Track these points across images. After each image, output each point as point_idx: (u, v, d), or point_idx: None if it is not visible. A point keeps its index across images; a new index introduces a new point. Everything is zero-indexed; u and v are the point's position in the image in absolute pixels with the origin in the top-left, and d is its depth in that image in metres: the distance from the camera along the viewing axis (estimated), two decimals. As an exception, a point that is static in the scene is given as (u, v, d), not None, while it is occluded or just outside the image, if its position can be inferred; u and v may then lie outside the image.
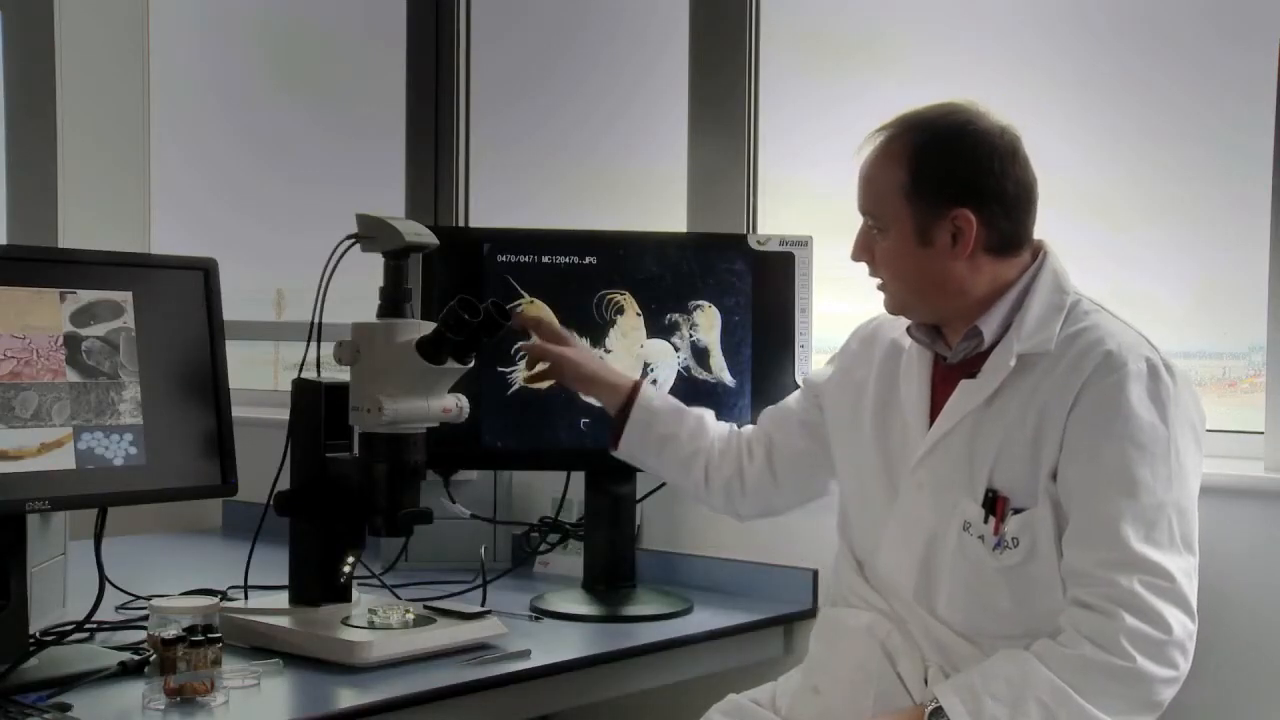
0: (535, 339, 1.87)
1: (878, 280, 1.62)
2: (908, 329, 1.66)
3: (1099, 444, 1.47)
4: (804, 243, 2.13)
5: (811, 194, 2.42)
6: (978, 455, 1.55)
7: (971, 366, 1.59)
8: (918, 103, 1.61)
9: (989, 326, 1.57)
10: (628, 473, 2.13)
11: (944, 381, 1.62)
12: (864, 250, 1.61)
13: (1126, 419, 1.47)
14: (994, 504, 1.52)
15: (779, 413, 1.87)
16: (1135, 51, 1.96)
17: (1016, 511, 1.51)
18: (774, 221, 2.42)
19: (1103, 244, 1.98)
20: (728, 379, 2.12)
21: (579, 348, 1.91)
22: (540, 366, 1.87)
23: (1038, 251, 1.61)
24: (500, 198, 2.83)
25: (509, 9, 2.84)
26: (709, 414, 1.90)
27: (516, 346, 1.92)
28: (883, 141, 1.58)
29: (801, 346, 2.12)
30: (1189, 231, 1.96)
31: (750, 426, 1.90)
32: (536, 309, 1.98)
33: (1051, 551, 1.50)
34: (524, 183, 2.84)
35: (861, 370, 1.74)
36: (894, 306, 1.63)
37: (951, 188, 1.54)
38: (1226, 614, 1.74)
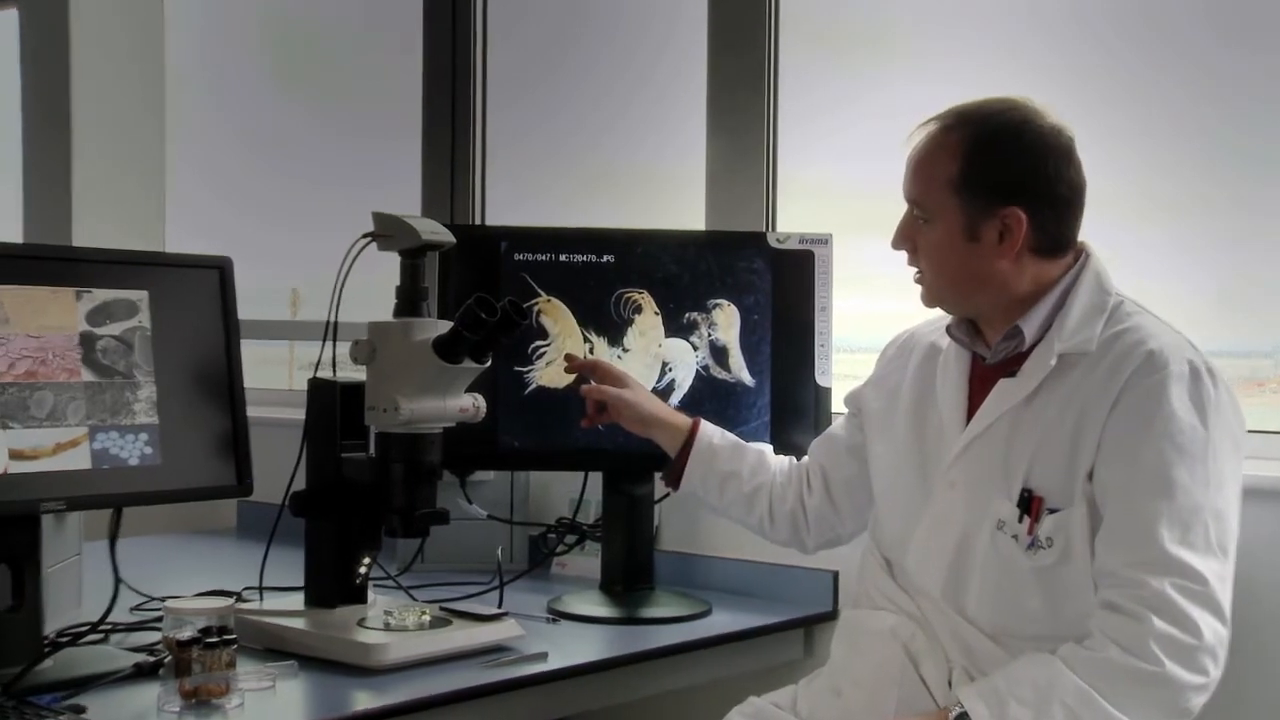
0: (592, 382, 1.89)
1: (915, 270, 1.62)
2: (947, 328, 1.66)
3: (1137, 444, 1.46)
4: (824, 240, 2.13)
5: (832, 191, 2.42)
6: (1014, 454, 1.54)
7: (1010, 366, 1.59)
8: (938, 99, 1.61)
9: (1030, 326, 1.57)
10: (646, 473, 2.13)
11: (982, 381, 1.61)
12: (906, 238, 1.60)
13: (1166, 420, 1.46)
14: (1029, 504, 1.52)
15: (826, 442, 1.87)
16: (1155, 44, 1.95)
17: (1052, 512, 1.51)
18: (793, 219, 2.42)
19: (1119, 242, 1.97)
20: (747, 379, 2.12)
21: (635, 388, 1.92)
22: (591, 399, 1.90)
23: (1080, 252, 1.61)
24: (517, 195, 2.84)
25: (525, 4, 2.84)
26: (768, 449, 1.91)
27: (580, 390, 1.92)
28: (937, 131, 1.58)
29: (821, 346, 2.11)
30: (1206, 229, 1.95)
31: (806, 459, 1.89)
32: (590, 359, 1.99)
33: (1085, 554, 1.49)
34: (541, 180, 2.84)
35: (896, 375, 1.74)
36: (931, 298, 1.63)
37: (1004, 186, 1.54)
38: (1255, 614, 1.72)
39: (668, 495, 2.24)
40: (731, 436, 1.90)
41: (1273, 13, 1.95)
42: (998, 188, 1.54)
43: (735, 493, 1.86)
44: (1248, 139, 1.98)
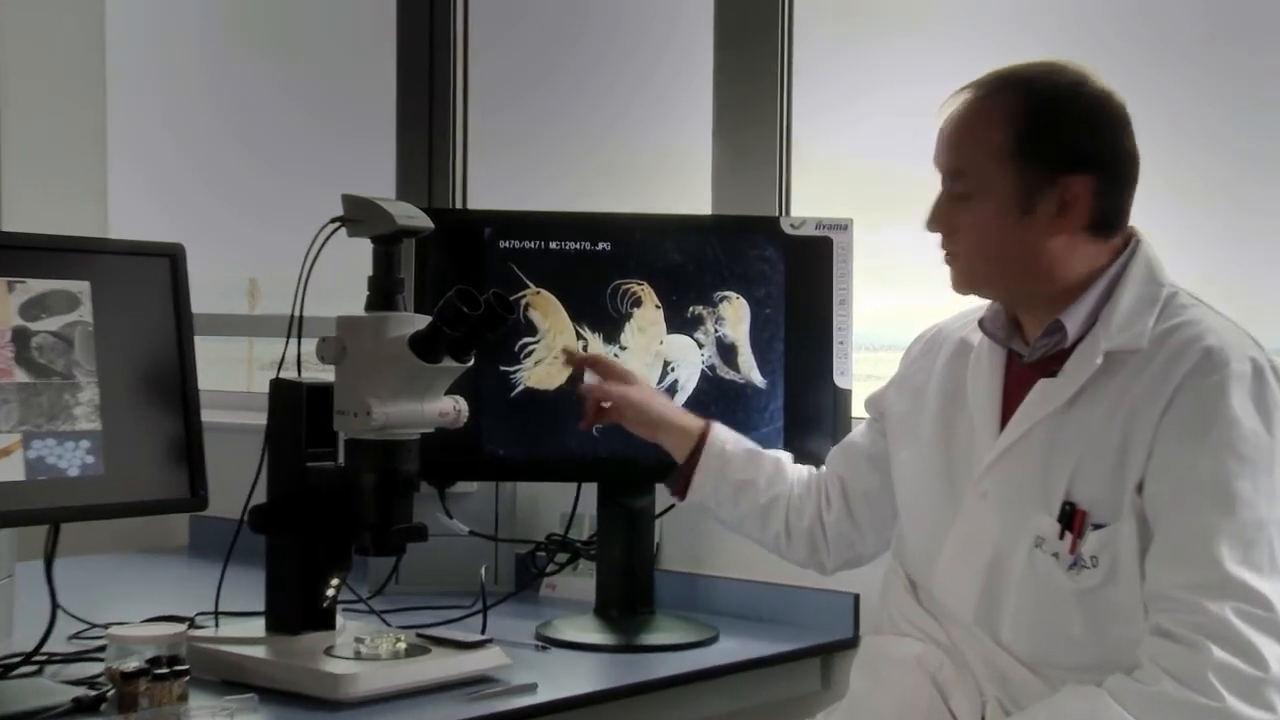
0: (591, 377, 1.87)
1: (947, 251, 1.60)
2: (980, 322, 1.65)
3: (1193, 452, 1.45)
4: (843, 226, 2.12)
5: (853, 170, 2.42)
6: (1055, 463, 1.53)
7: (1050, 366, 1.58)
8: (970, 69, 1.60)
9: (1074, 321, 1.56)
10: (645, 485, 2.13)
11: (1018, 381, 1.60)
12: (944, 217, 1.59)
13: (1226, 425, 1.45)
14: (1071, 518, 1.50)
15: (844, 451, 1.86)
16: (1155, 43, 1.98)
17: (1097, 527, 1.50)
18: (809, 202, 2.41)
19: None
20: (758, 379, 2.11)
21: (642, 386, 1.91)
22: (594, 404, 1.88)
23: (1129, 238, 1.60)
24: (503, 177, 2.84)
25: (511, -35, 2.85)
26: (786, 457, 1.90)
27: (579, 389, 1.91)
28: (979, 97, 1.57)
29: (840, 343, 2.11)
30: (1207, 229, 1.99)
31: (824, 469, 1.88)
32: (574, 346, 1.98)
33: (1134, 574, 1.48)
34: (530, 160, 2.84)
35: (922, 374, 1.73)
36: (964, 282, 1.61)
37: (1066, 152, 1.54)
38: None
39: (670, 509, 2.24)
40: (746, 442, 1.89)
41: (1273, 12, 2.01)
42: (1060, 154, 1.53)
43: (749, 505, 1.84)
44: (1248, 139, 2.02)
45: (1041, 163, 1.53)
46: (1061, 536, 1.51)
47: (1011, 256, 1.56)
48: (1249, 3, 2.05)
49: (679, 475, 1.87)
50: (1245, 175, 2.03)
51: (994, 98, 1.56)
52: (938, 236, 1.61)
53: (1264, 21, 1.99)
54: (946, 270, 1.62)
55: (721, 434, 1.87)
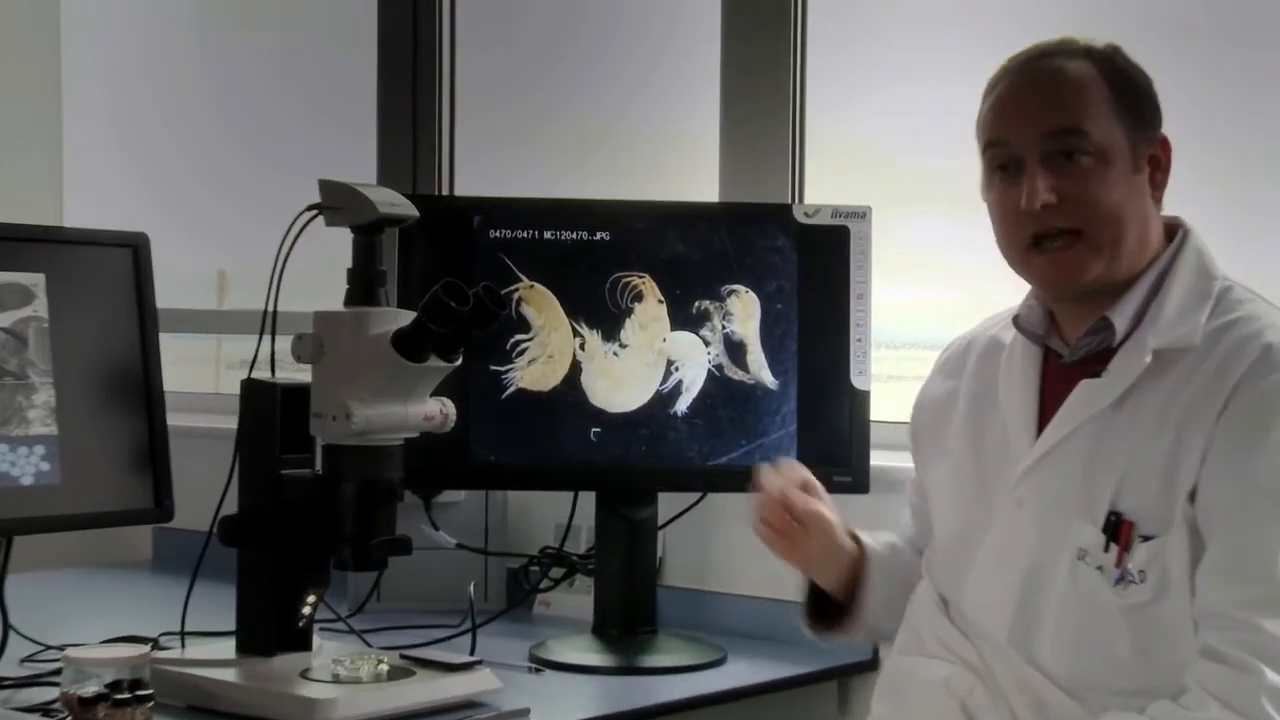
0: (767, 487, 1.73)
1: (1061, 230, 1.54)
2: (1014, 319, 1.65)
3: (1251, 457, 1.45)
4: (861, 214, 2.12)
5: (873, 153, 2.41)
6: (1099, 469, 1.53)
7: (1092, 366, 1.57)
8: (997, 39, 1.65)
9: (1122, 317, 1.56)
10: (647, 493, 2.13)
11: (1056, 383, 1.60)
12: (1057, 188, 1.53)
13: None
14: (1117, 529, 1.50)
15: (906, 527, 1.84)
16: (1154, 42, 2.02)
17: (1145, 539, 1.49)
18: (825, 188, 2.41)
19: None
20: (768, 380, 2.11)
21: (830, 503, 1.78)
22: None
23: (1175, 228, 1.60)
24: (493, 161, 2.83)
25: (502, -69, 2.85)
26: (898, 543, 1.83)
27: (774, 494, 1.73)
28: (1070, 56, 1.57)
29: (858, 340, 2.11)
30: (1206, 229, 2.07)
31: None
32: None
33: (1185, 590, 1.47)
34: (522, 143, 2.84)
35: (952, 380, 1.73)
36: (1086, 263, 1.54)
37: (1152, 105, 1.58)
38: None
39: (674, 520, 2.24)
40: (883, 536, 1.82)
41: (1273, 12, 2.04)
42: (1148, 107, 1.57)
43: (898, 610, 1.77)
44: (1249, 138, 2.05)
45: (1138, 116, 1.56)
46: (1106, 549, 1.50)
47: (1133, 220, 1.55)
48: (1250, 3, 2.08)
49: (827, 608, 1.78)
50: (1245, 175, 2.06)
51: (1078, 55, 1.57)
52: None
53: (1265, 21, 2.02)
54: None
55: (873, 553, 1.78)
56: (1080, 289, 1.57)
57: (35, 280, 1.72)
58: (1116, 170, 1.54)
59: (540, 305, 2.10)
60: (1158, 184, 1.58)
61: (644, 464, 2.09)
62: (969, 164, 1.63)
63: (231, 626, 1.85)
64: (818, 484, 1.77)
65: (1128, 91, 1.56)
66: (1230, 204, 2.02)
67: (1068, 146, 1.54)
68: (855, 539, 1.77)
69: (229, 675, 1.76)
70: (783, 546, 1.75)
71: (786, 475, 1.75)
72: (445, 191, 2.81)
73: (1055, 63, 1.57)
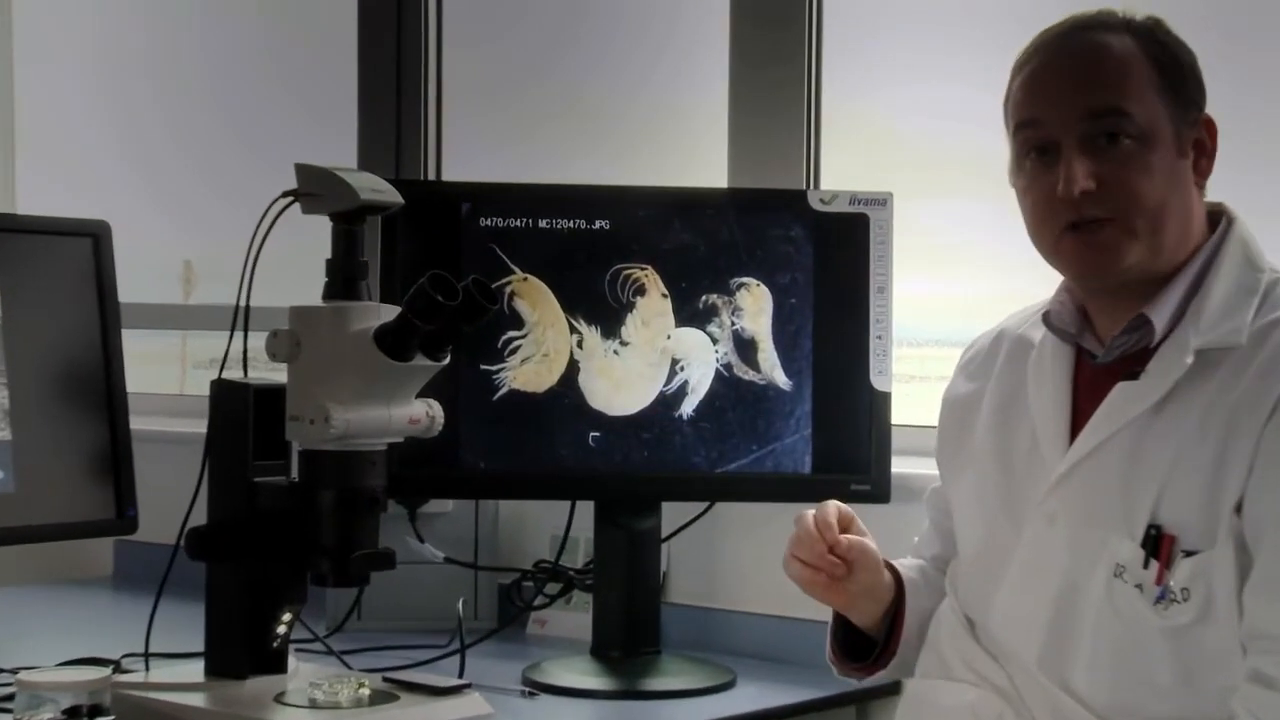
0: (805, 524, 1.72)
1: (1097, 219, 1.54)
2: (1044, 316, 1.65)
3: None
4: (882, 201, 2.12)
5: (894, 135, 2.41)
6: (1138, 479, 1.53)
7: (1128, 367, 1.58)
8: (1034, 16, 1.62)
9: (1161, 315, 1.56)
10: (650, 503, 2.13)
11: (1089, 385, 1.60)
12: (1095, 173, 1.53)
13: None
14: (1157, 544, 1.50)
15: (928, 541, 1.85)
16: None
17: (1187, 554, 1.49)
18: (843, 173, 2.41)
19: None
20: (781, 380, 2.11)
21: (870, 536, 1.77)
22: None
23: (1218, 216, 1.61)
24: (483, 143, 2.84)
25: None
26: (925, 566, 1.84)
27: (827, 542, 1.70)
28: (1112, 32, 1.57)
29: (879, 337, 2.11)
30: None
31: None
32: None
33: (1232, 609, 1.48)
34: (514, 123, 2.84)
35: (976, 381, 1.74)
36: (1122, 251, 1.55)
37: (1197, 86, 1.58)
38: None
39: (679, 531, 2.24)
40: (911, 562, 1.83)
41: (1275, 12, 2.07)
42: (1193, 88, 1.58)
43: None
44: (1248, 139, 2.04)
45: (1183, 98, 1.56)
46: (1146, 565, 1.50)
47: (1174, 209, 1.56)
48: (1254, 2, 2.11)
49: (887, 649, 1.77)
50: (1246, 175, 2.07)
51: (1121, 31, 1.57)
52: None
53: (1268, 20, 2.05)
54: (1077, 246, 1.56)
55: (905, 568, 1.79)
56: (1115, 279, 1.57)
57: (-13, 272, 1.72)
58: (1159, 155, 1.54)
59: (534, 299, 2.10)
60: (1201, 170, 1.58)
61: (646, 471, 2.08)
62: (999, 146, 1.63)
63: (199, 647, 1.84)
64: (855, 516, 1.76)
65: (1171, 70, 1.56)
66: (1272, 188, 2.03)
67: (1109, 128, 1.54)
68: (891, 569, 1.77)
69: (197, 700, 1.76)
70: (822, 587, 1.72)
71: (823, 510, 1.73)
72: (431, 176, 2.81)
73: (1095, 37, 1.57)
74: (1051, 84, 1.57)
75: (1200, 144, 1.57)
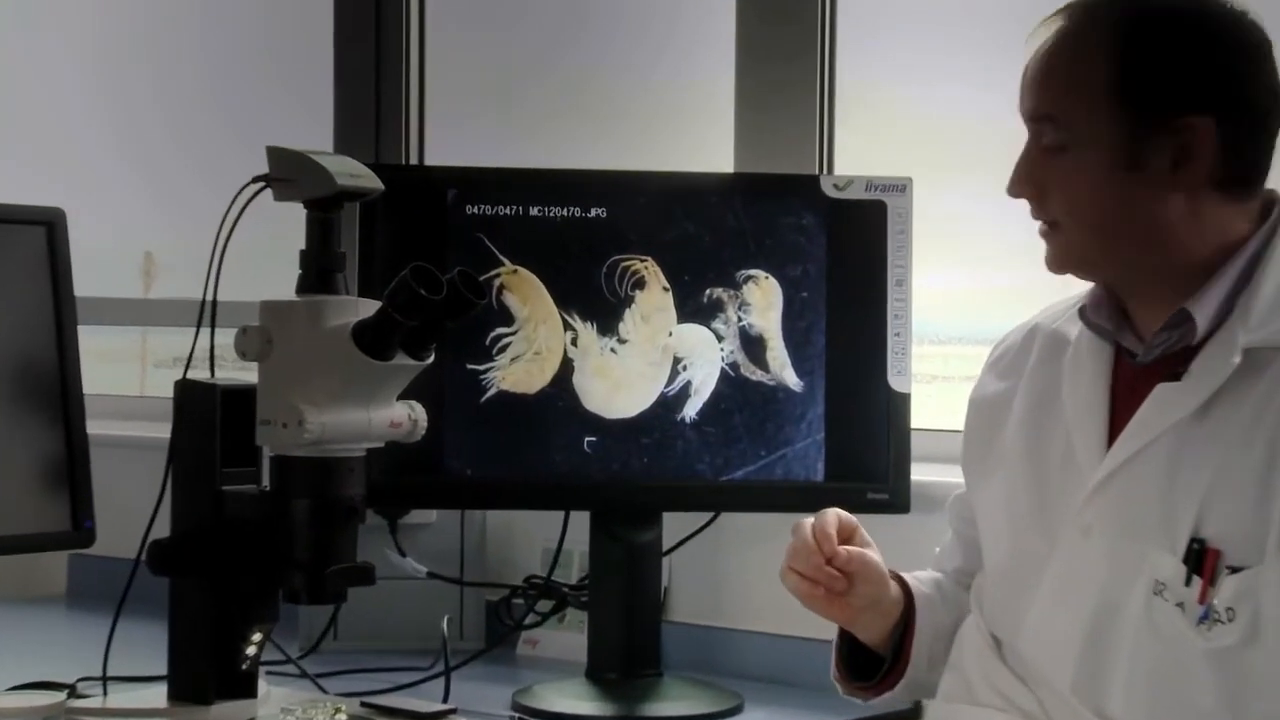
0: (802, 533, 1.73)
1: (1041, 221, 1.60)
2: (1080, 311, 1.65)
3: None
4: (901, 187, 2.12)
5: (913, 116, 2.41)
6: (1180, 489, 1.53)
7: (1171, 366, 1.57)
8: None
9: (1204, 310, 1.55)
10: (650, 513, 2.13)
11: (1129, 387, 1.60)
12: (1030, 179, 1.59)
13: None
14: (1201, 559, 1.50)
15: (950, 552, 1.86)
16: None
17: (1233, 570, 1.49)
18: (858, 157, 2.41)
19: None
20: (791, 380, 2.11)
21: (874, 547, 1.78)
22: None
23: (1270, 205, 1.60)
24: (470, 125, 2.84)
25: None
26: (943, 580, 1.84)
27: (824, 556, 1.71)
28: (1072, 23, 1.57)
29: (897, 334, 2.11)
30: None
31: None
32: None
33: (1282, 631, 1.48)
34: (504, 104, 2.85)
35: (1007, 380, 1.74)
36: (1063, 259, 1.61)
37: (1183, 87, 1.54)
38: None
39: (681, 544, 2.24)
40: (927, 575, 1.83)
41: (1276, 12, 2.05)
42: (1174, 90, 1.54)
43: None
44: None
45: (1152, 100, 1.54)
46: (1188, 582, 1.50)
47: (1120, 224, 1.56)
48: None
49: (894, 668, 1.77)
50: None
51: (1088, 23, 1.57)
52: (1025, 203, 1.61)
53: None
54: (1041, 245, 1.62)
55: (921, 598, 1.78)
56: (1083, 278, 1.61)
57: (-68, 264, 1.71)
58: (1093, 163, 1.55)
59: (525, 293, 2.10)
60: (1184, 181, 1.54)
61: (646, 479, 2.08)
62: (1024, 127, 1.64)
63: (162, 670, 1.84)
64: (858, 525, 1.76)
65: (1145, 67, 1.54)
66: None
67: (1040, 132, 1.58)
68: (899, 581, 1.77)
69: (161, 727, 1.76)
70: (822, 600, 1.73)
71: (821, 520, 1.74)
72: (414, 160, 2.81)
73: (1057, 29, 1.58)
74: (1022, 79, 1.61)
75: (1184, 149, 1.53)
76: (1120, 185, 1.55)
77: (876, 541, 1.79)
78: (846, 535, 1.74)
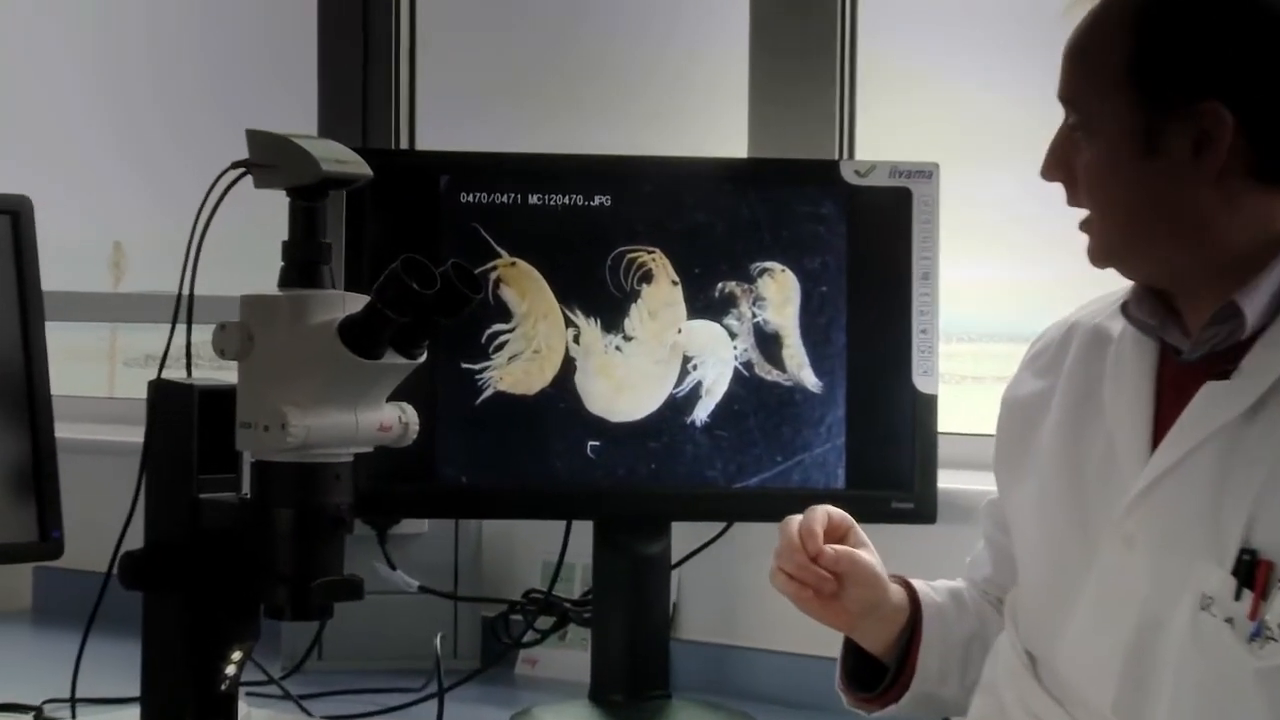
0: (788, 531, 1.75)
1: (1082, 215, 1.61)
2: (1123, 307, 1.65)
3: None
4: (927, 173, 2.13)
5: (939, 97, 2.42)
6: (1229, 497, 1.52)
7: (1220, 365, 1.57)
8: None
9: (1253, 304, 1.55)
10: (658, 524, 2.14)
11: (1175, 386, 1.60)
12: (1060, 164, 1.60)
13: None
14: (1251, 572, 1.49)
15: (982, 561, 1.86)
16: None
17: None
18: (881, 141, 2.43)
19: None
20: (809, 380, 2.11)
21: (868, 545, 1.79)
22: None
23: None
24: (464, 107, 2.85)
25: None
26: (964, 589, 1.85)
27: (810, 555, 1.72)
28: (1105, 4, 1.58)
29: (923, 331, 2.11)
30: None
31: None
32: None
33: (1338, 648, 1.48)
34: (500, 86, 2.85)
35: (1045, 378, 1.74)
36: (1101, 252, 1.61)
37: (1201, 69, 1.54)
38: None
39: (691, 557, 2.25)
40: (942, 584, 1.84)
41: None
42: (1190, 73, 1.53)
43: (962, 674, 1.78)
44: None
45: (1167, 84, 1.54)
46: (1238, 596, 1.49)
47: (1147, 213, 1.56)
48: None
49: (897, 678, 1.78)
50: None
51: (1115, 4, 1.57)
52: (1054, 184, 1.62)
53: None
54: (1082, 237, 1.62)
55: (929, 603, 1.79)
56: (1122, 273, 1.61)
57: (-112, 256, 1.71)
58: (1112, 149, 1.56)
59: (524, 287, 2.10)
60: (1207, 170, 1.54)
61: (653, 486, 2.08)
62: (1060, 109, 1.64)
63: (134, 691, 1.83)
64: (854, 524, 1.77)
65: (1158, 50, 1.54)
66: None
67: (1069, 119, 1.60)
68: (907, 587, 1.78)
69: (133, 752, 1.76)
70: (814, 603, 1.74)
71: (809, 517, 1.75)
72: (404, 145, 2.83)
73: (1091, 11, 1.59)
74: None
75: (1204, 135, 1.53)
76: (1139, 172, 1.55)
77: (900, 554, 1.81)
78: (840, 534, 1.75)
